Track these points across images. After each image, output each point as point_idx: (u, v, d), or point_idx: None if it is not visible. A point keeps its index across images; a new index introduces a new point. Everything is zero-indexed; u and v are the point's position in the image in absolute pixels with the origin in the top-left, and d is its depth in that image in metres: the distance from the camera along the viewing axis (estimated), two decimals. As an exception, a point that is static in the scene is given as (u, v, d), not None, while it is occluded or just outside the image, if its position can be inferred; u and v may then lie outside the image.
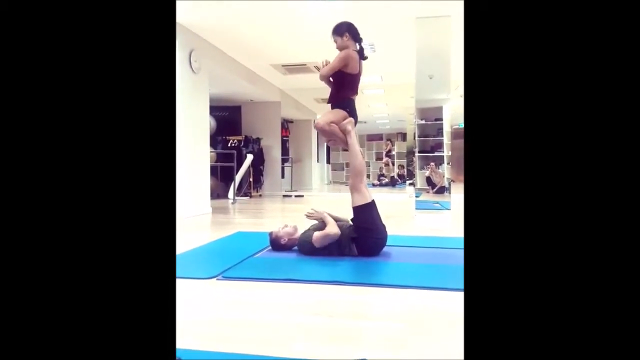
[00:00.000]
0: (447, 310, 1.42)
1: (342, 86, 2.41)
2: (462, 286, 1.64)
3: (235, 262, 2.09)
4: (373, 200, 2.26)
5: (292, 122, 10.00)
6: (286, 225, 2.43)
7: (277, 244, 2.38)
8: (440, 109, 4.96)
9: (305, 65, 6.00)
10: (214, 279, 1.81)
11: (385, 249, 2.29)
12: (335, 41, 2.43)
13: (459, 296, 1.55)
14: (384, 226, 2.26)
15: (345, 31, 2.40)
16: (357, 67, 2.39)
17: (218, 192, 6.77)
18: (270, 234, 2.42)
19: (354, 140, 2.35)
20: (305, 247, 2.24)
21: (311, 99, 8.61)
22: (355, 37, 2.42)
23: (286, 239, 2.36)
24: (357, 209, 2.23)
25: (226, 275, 1.87)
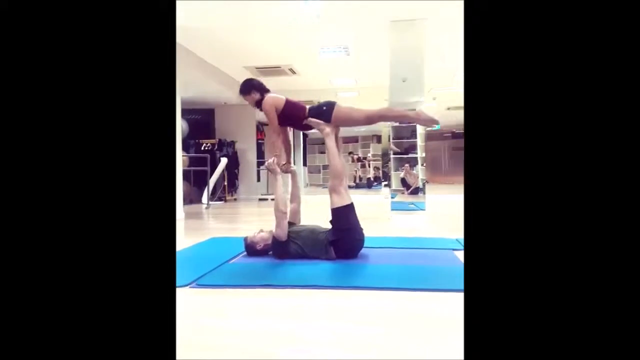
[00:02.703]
0: (428, 312, 1.42)
1: (291, 115, 2.38)
2: (441, 286, 1.65)
3: (209, 269, 2.02)
4: (352, 203, 2.25)
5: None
6: (261, 230, 2.38)
7: (252, 250, 2.33)
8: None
9: (279, 67, 5.95)
10: (187, 287, 1.75)
11: (362, 250, 2.28)
12: (247, 100, 2.46)
13: (439, 296, 1.56)
14: (361, 228, 2.25)
15: (252, 88, 2.43)
16: (281, 100, 2.38)
17: (191, 198, 6.61)
18: (245, 239, 2.37)
19: (332, 143, 2.32)
20: (277, 249, 2.22)
21: (286, 101, 8.57)
22: (262, 90, 2.44)
23: (262, 244, 2.31)
24: (335, 211, 2.21)
25: (200, 282, 1.81)
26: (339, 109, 2.31)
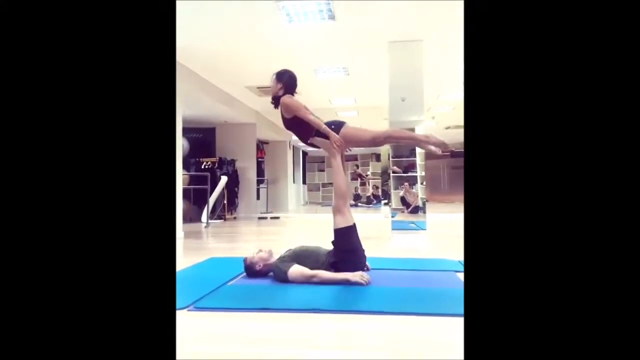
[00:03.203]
0: (433, 338, 1.38)
1: (299, 125, 2.37)
2: (445, 311, 1.61)
3: (207, 290, 1.98)
4: (354, 224, 2.22)
5: (267, 143, 9.96)
6: (261, 250, 2.34)
7: (251, 271, 2.29)
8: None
9: (280, 87, 6.01)
10: (185, 310, 1.71)
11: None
12: (272, 86, 2.44)
13: (443, 321, 1.52)
14: (363, 250, 2.22)
15: (281, 80, 2.40)
16: (297, 104, 2.35)
17: (191, 216, 6.57)
18: (245, 259, 2.33)
19: (338, 162, 2.31)
20: (280, 275, 2.17)
21: (286, 120, 8.63)
22: (290, 89, 2.41)
23: (261, 265, 2.27)
24: (338, 232, 2.18)
25: (198, 305, 1.77)
26: (347, 129, 2.31)
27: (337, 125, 2.32)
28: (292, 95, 2.41)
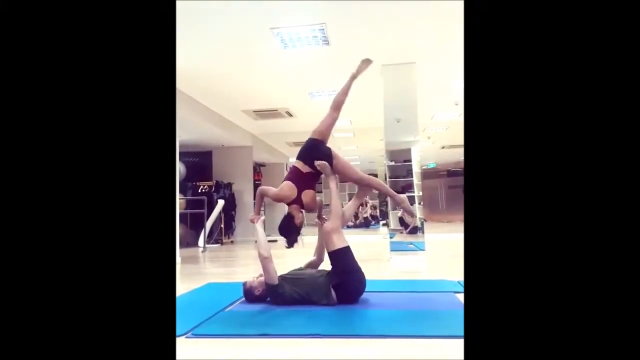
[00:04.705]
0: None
1: (306, 180, 2.38)
2: (445, 333, 1.58)
3: (205, 317, 1.95)
4: (349, 246, 2.22)
5: (264, 165, 9.98)
6: (260, 275, 2.32)
7: (251, 295, 2.25)
8: (408, 150, 5.09)
9: (276, 110, 6.08)
10: (183, 337, 1.67)
11: (364, 295, 2.22)
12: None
13: (444, 344, 1.49)
14: (361, 270, 2.21)
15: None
16: (291, 189, 2.36)
17: (188, 240, 6.51)
18: (244, 284, 2.30)
19: (334, 185, 2.35)
20: (272, 294, 2.16)
21: (283, 142, 8.69)
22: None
23: (260, 290, 2.24)
24: (337, 253, 2.17)
25: (196, 332, 1.73)
26: (338, 164, 2.37)
27: (325, 156, 2.34)
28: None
